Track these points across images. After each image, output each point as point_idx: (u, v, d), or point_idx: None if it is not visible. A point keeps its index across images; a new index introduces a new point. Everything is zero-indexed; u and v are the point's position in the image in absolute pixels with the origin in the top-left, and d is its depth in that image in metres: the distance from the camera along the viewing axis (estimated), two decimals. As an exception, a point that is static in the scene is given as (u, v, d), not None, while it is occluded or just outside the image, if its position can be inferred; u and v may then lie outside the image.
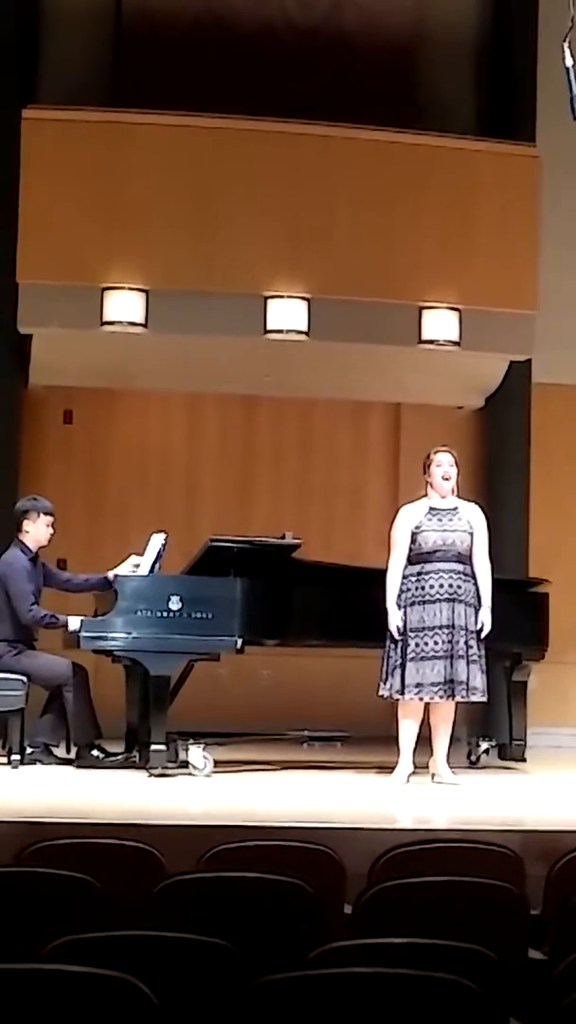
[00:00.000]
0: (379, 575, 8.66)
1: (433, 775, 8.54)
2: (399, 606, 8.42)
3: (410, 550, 8.47)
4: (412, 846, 4.96)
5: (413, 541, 8.48)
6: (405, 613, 8.40)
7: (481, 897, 4.31)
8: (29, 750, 8.94)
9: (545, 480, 12.17)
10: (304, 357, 11.30)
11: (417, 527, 8.49)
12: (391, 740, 8.71)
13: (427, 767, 8.54)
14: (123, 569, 9.15)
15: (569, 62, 7.25)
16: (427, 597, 8.40)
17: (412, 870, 4.54)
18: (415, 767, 8.46)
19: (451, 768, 8.57)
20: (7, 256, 10.73)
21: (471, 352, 11.28)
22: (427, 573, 8.42)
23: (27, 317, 10.86)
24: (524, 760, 9.60)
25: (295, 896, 4.21)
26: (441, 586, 8.40)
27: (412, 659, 8.35)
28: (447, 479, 8.59)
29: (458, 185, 11.28)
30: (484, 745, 9.74)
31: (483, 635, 8.43)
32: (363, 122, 11.23)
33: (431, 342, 11.15)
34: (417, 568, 8.45)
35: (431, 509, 8.56)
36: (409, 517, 8.57)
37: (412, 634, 8.37)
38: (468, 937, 3.56)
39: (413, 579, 8.44)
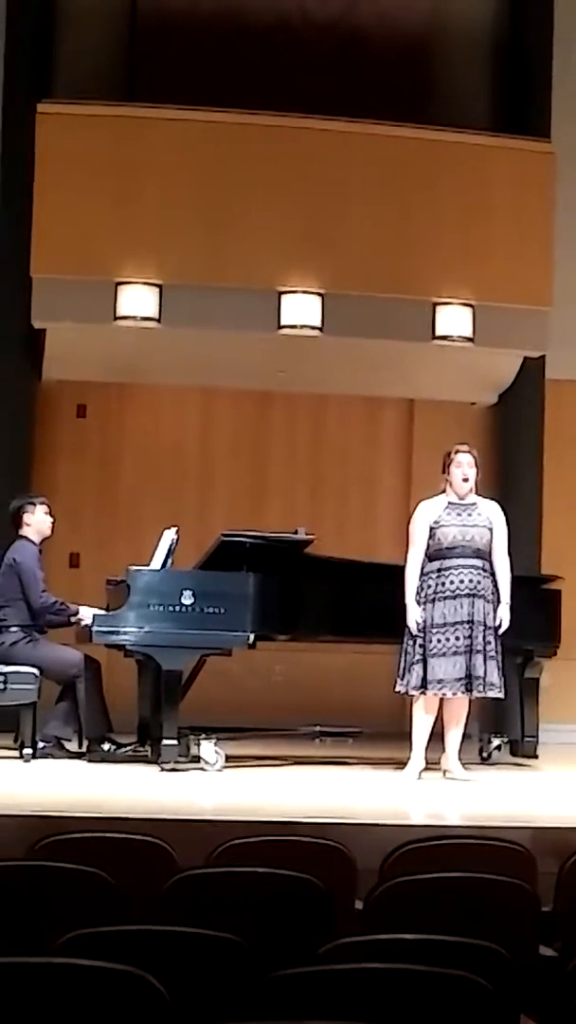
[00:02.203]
0: (391, 570, 8.65)
1: (445, 771, 8.53)
2: (418, 602, 8.41)
3: (429, 546, 8.44)
4: (423, 842, 4.96)
5: (432, 537, 8.45)
6: (425, 609, 8.40)
7: (492, 894, 4.31)
8: (41, 744, 8.95)
9: (558, 476, 12.14)
10: (318, 353, 11.28)
11: (436, 522, 8.47)
12: (403, 736, 8.70)
13: (439, 763, 8.53)
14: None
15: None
16: (447, 593, 8.37)
17: (423, 866, 4.54)
18: (427, 763, 8.46)
19: (463, 764, 8.57)
20: (21, 250, 10.73)
21: (485, 348, 11.26)
22: (447, 569, 8.40)
23: (41, 311, 10.86)
24: (536, 757, 9.59)
25: (306, 892, 4.22)
26: (461, 582, 8.38)
27: (432, 655, 8.33)
28: (466, 480, 8.55)
29: (473, 181, 11.25)
30: (496, 742, 9.73)
31: (500, 631, 8.43)
32: (378, 117, 11.21)
33: (445, 338, 11.13)
34: (437, 564, 8.42)
35: (450, 504, 8.54)
36: (427, 512, 8.54)
37: (432, 630, 8.34)
38: (479, 933, 3.56)
39: (433, 575, 8.41)
